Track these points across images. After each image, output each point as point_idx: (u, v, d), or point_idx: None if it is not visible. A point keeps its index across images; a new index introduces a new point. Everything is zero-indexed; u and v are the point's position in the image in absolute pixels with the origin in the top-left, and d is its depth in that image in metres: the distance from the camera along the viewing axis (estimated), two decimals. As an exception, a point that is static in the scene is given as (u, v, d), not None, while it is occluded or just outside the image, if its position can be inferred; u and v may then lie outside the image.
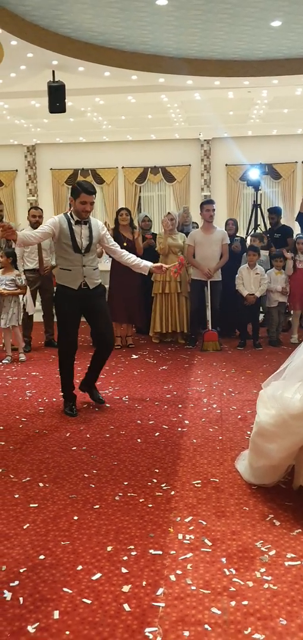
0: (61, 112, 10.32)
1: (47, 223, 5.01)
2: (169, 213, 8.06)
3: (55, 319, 6.21)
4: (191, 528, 3.22)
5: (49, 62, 9.52)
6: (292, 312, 8.09)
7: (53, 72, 9.92)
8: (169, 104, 12.92)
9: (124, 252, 5.34)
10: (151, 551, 2.99)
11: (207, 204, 7.72)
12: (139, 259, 5.37)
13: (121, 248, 6.51)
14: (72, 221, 4.94)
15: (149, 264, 5.29)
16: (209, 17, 8.22)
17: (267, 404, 3.48)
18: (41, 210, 8.09)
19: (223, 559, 2.92)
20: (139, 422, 4.94)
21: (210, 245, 7.53)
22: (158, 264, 5.44)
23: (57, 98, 9.98)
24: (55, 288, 5.42)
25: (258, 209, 8.92)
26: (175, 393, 5.75)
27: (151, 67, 10.13)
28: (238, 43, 9.32)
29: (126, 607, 2.58)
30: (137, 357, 7.27)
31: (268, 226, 9.13)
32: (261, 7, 7.91)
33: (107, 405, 5.42)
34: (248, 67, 10.22)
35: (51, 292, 7.76)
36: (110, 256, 6.02)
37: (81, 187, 4.94)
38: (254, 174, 8.74)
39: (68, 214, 5.02)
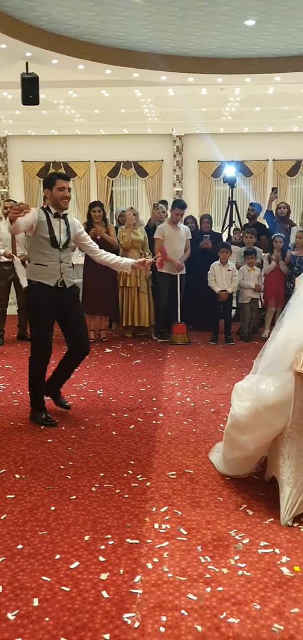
0: (35, 105, 10.26)
1: (25, 218, 4.53)
2: (132, 208, 8.16)
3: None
4: (166, 518, 3.28)
5: (22, 54, 9.44)
6: (267, 308, 8.20)
7: (27, 63, 9.86)
8: (142, 99, 12.95)
9: (103, 251, 5.10)
10: (128, 540, 3.05)
11: (179, 208, 7.82)
12: (119, 257, 5.19)
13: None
14: (50, 214, 4.69)
15: (130, 260, 5.10)
16: (184, 13, 8.27)
17: (242, 396, 3.56)
18: (13, 201, 8.06)
19: (199, 547, 3.00)
20: (114, 415, 4.99)
21: (178, 241, 7.75)
22: (141, 260, 5.21)
23: (30, 90, 9.92)
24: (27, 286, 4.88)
25: (234, 205, 9.03)
26: (149, 386, 5.81)
27: (125, 61, 10.14)
28: (212, 40, 9.40)
29: (105, 594, 2.63)
30: (110, 350, 7.31)
31: (243, 222, 9.24)
32: (236, 5, 7.99)
33: (82, 398, 5.45)
34: (221, 64, 10.32)
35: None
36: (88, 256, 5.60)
37: (55, 175, 4.77)
38: (230, 171, 8.84)
39: (45, 207, 4.77)
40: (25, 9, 8.31)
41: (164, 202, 10.15)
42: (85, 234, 5.03)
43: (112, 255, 5.12)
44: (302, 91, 11.85)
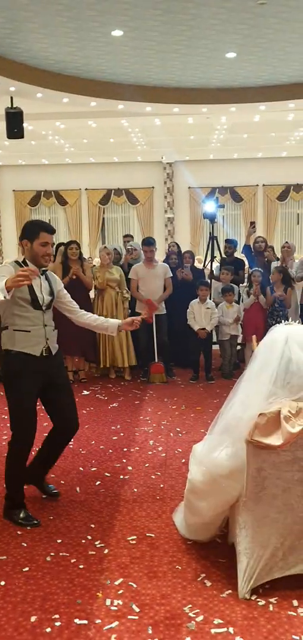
0: (19, 138, 10.28)
1: (2, 274, 3.75)
2: (105, 247, 7.95)
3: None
4: (120, 592, 3.15)
5: (6, 89, 9.47)
6: (246, 344, 8.06)
7: (11, 98, 9.88)
8: (130, 129, 12.98)
9: (83, 311, 4.32)
10: (77, 621, 2.92)
11: (145, 246, 7.71)
12: (103, 318, 4.52)
13: (69, 280, 6.38)
14: None
15: (116, 321, 4.36)
16: (163, 47, 8.31)
17: (199, 461, 3.45)
18: None
19: (149, 628, 2.87)
20: (81, 469, 4.84)
21: (153, 280, 7.50)
22: (129, 320, 4.43)
23: (14, 124, 9.96)
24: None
25: (215, 240, 8.96)
26: (122, 434, 5.66)
27: (109, 94, 10.18)
28: (195, 72, 9.43)
29: None
30: (88, 393, 7.17)
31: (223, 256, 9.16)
32: (214, 39, 8.00)
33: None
34: (205, 94, 10.35)
35: None
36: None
37: (39, 226, 4.00)
38: (210, 207, 8.75)
39: (20, 261, 4.03)
40: (6, 45, 8.35)
41: (130, 236, 10.02)
42: (65, 291, 4.26)
43: (95, 316, 4.47)
44: (287, 119, 11.86)
